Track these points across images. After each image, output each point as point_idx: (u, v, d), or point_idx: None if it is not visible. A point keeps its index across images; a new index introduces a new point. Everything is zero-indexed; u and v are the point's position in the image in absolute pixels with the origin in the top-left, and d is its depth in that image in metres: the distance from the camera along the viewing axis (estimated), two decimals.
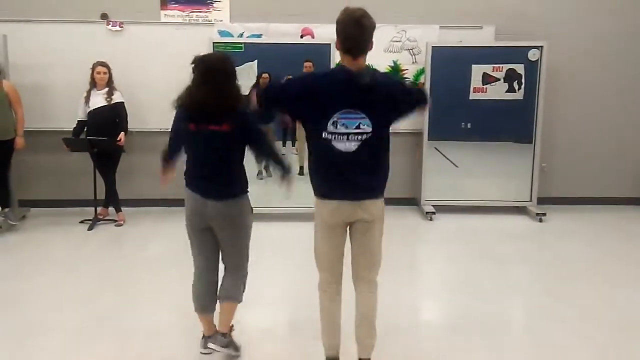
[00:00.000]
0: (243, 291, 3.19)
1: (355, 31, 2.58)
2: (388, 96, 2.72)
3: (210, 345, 3.21)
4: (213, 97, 2.81)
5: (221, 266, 3.21)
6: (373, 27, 2.62)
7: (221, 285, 3.17)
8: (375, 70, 2.84)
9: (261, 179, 6.29)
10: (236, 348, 3.25)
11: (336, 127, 2.64)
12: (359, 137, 2.65)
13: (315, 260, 2.94)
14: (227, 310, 3.17)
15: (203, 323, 3.23)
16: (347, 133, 2.64)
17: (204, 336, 3.26)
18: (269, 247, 5.17)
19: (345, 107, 2.63)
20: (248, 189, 3.10)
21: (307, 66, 6.03)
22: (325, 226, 2.83)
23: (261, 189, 6.17)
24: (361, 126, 2.64)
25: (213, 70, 2.85)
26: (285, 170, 3.02)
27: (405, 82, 2.81)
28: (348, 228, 2.85)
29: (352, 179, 2.71)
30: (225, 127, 2.86)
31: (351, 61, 2.65)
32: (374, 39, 2.64)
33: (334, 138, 2.65)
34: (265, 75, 6.07)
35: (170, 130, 3.06)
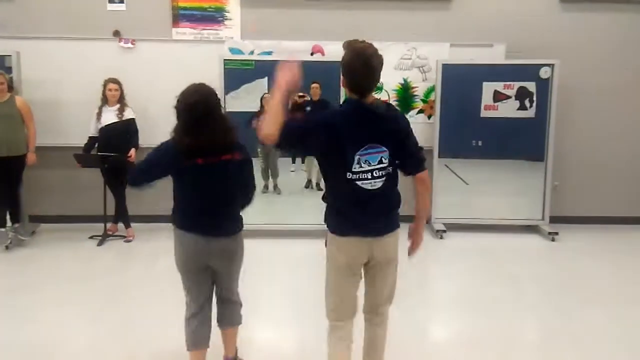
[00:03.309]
0: (240, 312, 3.24)
1: (365, 72, 2.46)
2: (404, 130, 2.64)
3: None
4: (220, 134, 2.79)
5: None
6: (382, 65, 2.50)
7: (222, 314, 3.18)
8: (389, 104, 2.72)
9: (265, 192, 6.33)
10: None
11: (361, 166, 2.53)
12: (382, 172, 2.57)
13: (325, 305, 2.77)
14: (232, 334, 3.23)
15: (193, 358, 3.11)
16: (370, 170, 2.54)
17: None
18: (277, 265, 5.15)
19: (366, 142, 2.52)
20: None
21: (314, 87, 6.04)
22: (340, 267, 2.66)
23: (265, 205, 6.19)
24: (383, 160, 2.57)
25: (207, 112, 2.76)
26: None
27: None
28: (363, 269, 2.73)
29: (375, 215, 2.61)
30: (238, 156, 2.87)
31: (359, 100, 2.55)
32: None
33: (359, 177, 2.54)
34: (267, 95, 6.06)
35: (154, 156, 2.86)
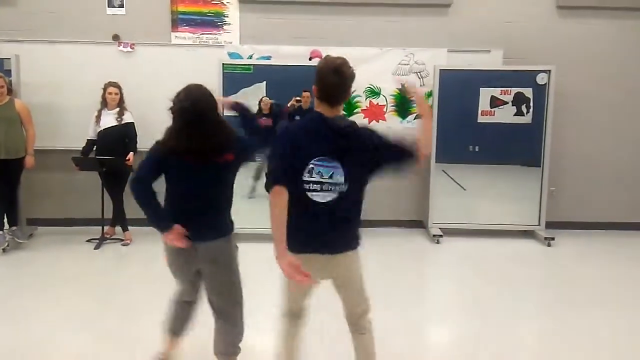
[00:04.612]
0: (240, 341, 3.03)
1: (334, 80, 2.52)
2: (365, 145, 2.59)
3: None
4: (210, 138, 2.71)
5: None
6: (352, 77, 2.57)
7: (215, 337, 3.01)
8: (353, 121, 2.70)
9: (252, 197, 6.31)
10: None
11: (311, 175, 2.53)
12: (334, 189, 2.54)
13: (281, 290, 2.87)
14: None
15: (166, 342, 3.10)
16: (320, 182, 2.53)
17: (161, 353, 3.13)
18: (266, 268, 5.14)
19: (320, 154, 2.53)
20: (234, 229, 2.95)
21: (305, 96, 6.06)
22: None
23: (251, 208, 6.16)
24: (334, 176, 2.54)
25: (200, 117, 2.70)
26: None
27: (390, 136, 2.65)
28: (332, 284, 2.78)
29: (329, 229, 2.58)
30: (229, 157, 2.77)
31: (328, 110, 2.58)
32: (354, 86, 2.61)
33: (309, 187, 2.53)
34: (265, 98, 6.11)
35: (146, 157, 2.86)
